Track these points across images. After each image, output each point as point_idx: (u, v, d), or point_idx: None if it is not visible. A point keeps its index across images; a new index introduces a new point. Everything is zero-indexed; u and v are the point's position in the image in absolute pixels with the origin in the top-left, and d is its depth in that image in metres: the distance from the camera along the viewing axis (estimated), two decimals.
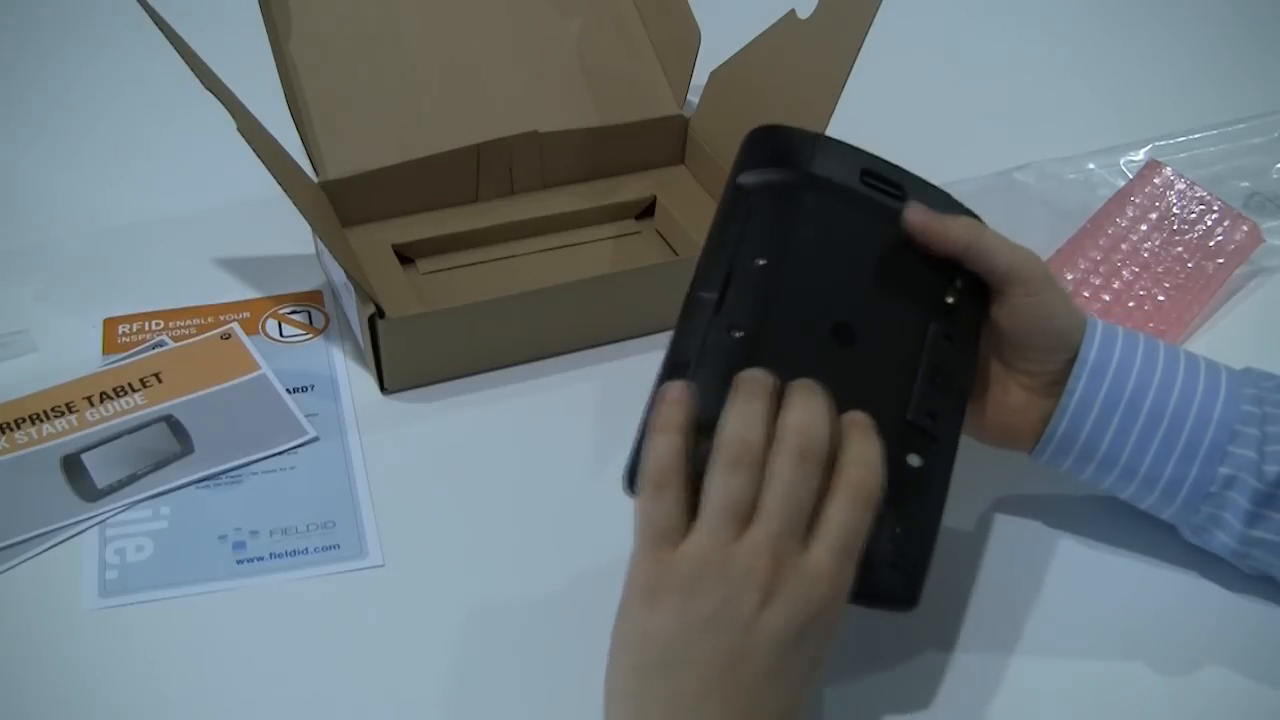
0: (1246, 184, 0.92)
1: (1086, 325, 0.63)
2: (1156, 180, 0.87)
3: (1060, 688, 0.62)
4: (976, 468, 0.68)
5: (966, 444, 0.65)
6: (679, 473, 0.53)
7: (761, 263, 0.59)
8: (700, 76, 0.88)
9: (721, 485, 0.52)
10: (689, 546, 0.52)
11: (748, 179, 0.62)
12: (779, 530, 0.51)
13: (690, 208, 0.86)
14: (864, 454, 0.53)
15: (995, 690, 0.62)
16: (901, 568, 0.55)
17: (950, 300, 0.61)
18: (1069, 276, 0.82)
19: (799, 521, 0.52)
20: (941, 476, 0.58)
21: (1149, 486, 0.63)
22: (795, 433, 0.53)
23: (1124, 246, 0.84)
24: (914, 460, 0.57)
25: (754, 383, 0.54)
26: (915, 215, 0.62)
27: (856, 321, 0.59)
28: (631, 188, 0.89)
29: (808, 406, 0.53)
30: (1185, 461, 0.62)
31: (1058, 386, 0.63)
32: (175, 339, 0.80)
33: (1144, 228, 0.85)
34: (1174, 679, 0.63)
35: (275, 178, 0.72)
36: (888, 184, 0.63)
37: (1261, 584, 0.65)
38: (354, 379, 0.78)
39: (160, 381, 0.76)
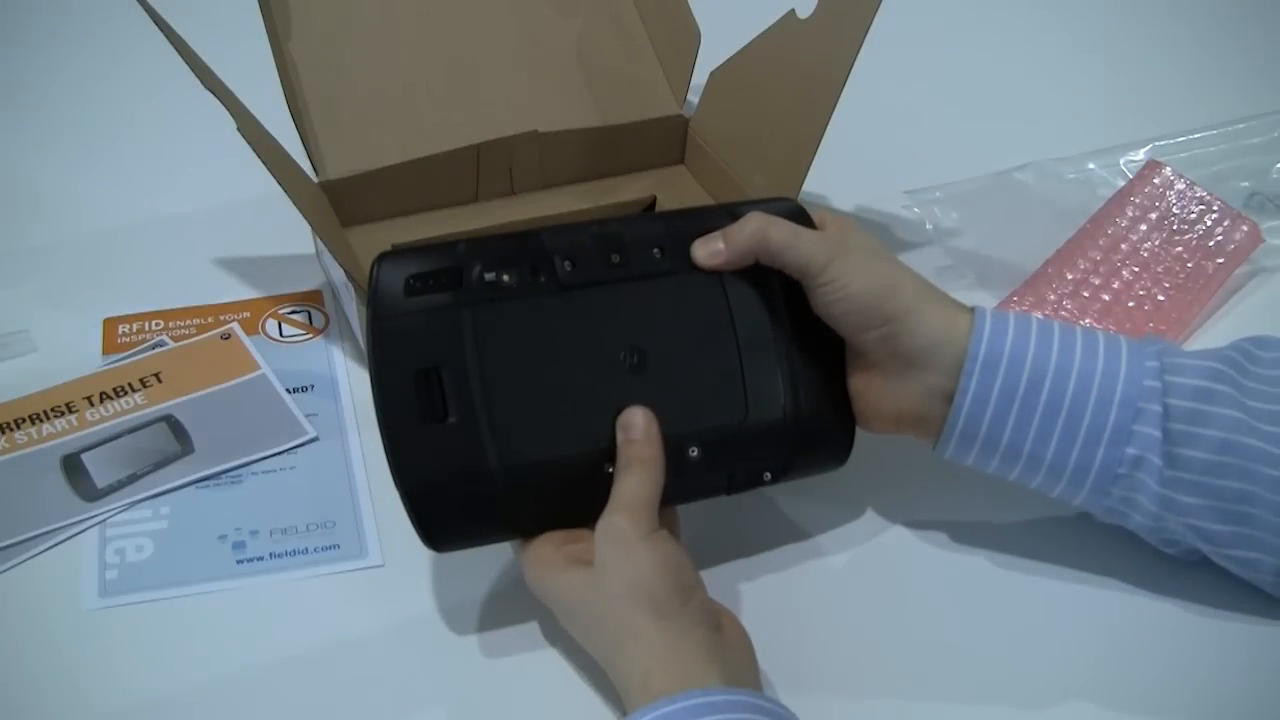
0: (1246, 184, 0.92)
1: (975, 317, 0.62)
2: (1156, 180, 0.87)
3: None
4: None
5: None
6: None
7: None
8: (700, 76, 0.88)
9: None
10: None
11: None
12: None
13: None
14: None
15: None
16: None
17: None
18: (1069, 276, 0.82)
19: None
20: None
21: (1055, 475, 0.62)
22: None
23: (1124, 246, 0.84)
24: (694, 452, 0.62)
25: None
26: (700, 250, 0.63)
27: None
28: (631, 188, 0.89)
29: None
30: (1090, 446, 0.61)
31: (932, 401, 0.62)
32: (175, 339, 0.80)
33: (1144, 227, 0.85)
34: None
35: (275, 178, 0.72)
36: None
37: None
38: (354, 379, 0.77)
39: (160, 381, 0.76)
